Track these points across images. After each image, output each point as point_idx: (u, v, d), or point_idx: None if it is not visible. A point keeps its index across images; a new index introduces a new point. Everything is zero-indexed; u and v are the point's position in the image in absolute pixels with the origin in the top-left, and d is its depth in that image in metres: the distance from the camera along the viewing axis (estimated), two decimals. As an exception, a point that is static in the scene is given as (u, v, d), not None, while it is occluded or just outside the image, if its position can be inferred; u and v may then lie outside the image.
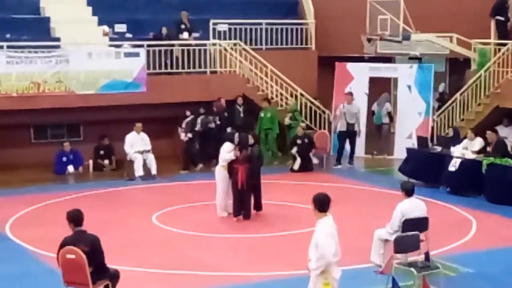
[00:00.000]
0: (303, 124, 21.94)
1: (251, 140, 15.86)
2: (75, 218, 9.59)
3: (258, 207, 15.83)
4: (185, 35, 22.31)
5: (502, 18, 21.94)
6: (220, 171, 15.68)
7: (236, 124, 21.64)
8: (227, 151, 15.55)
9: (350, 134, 21.51)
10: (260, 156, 15.96)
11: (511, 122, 21.28)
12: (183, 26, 22.54)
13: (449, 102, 22.15)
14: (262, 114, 21.81)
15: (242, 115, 21.87)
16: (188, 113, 20.89)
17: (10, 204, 16.68)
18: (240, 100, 21.89)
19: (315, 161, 21.08)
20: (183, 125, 20.82)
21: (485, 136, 18.00)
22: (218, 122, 20.90)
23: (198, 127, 20.71)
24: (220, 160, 15.71)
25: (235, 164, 15.30)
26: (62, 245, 9.61)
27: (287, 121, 21.91)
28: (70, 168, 20.15)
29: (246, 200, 15.43)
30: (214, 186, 15.77)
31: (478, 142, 18.03)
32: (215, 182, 15.74)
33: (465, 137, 18.70)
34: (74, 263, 9.44)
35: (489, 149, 17.63)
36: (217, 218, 15.61)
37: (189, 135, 20.54)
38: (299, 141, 20.80)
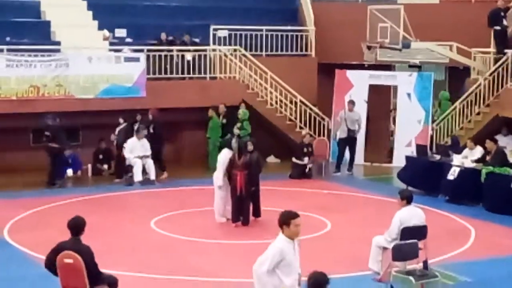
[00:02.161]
0: (303, 132, 21.91)
1: (250, 146, 15.86)
2: (73, 227, 9.55)
3: (257, 213, 15.81)
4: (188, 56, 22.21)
5: (499, 28, 21.98)
6: (218, 176, 15.68)
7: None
8: (223, 158, 15.55)
9: (350, 141, 21.50)
10: (259, 162, 15.95)
11: (510, 131, 21.28)
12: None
13: (448, 110, 22.15)
14: (210, 124, 21.54)
15: None
16: (121, 120, 20.45)
17: (9, 208, 16.65)
18: (243, 107, 21.87)
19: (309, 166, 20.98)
20: (116, 132, 20.45)
21: (485, 145, 17.99)
22: (152, 131, 20.36)
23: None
24: (218, 166, 15.71)
25: (234, 170, 15.25)
26: (55, 249, 9.57)
27: (235, 131, 20.90)
28: (69, 172, 20.06)
29: (245, 207, 15.42)
30: (213, 191, 15.76)
31: (478, 151, 18.01)
32: (214, 187, 15.73)
33: (464, 146, 18.69)
34: (71, 268, 9.42)
35: (488, 158, 17.62)
36: (215, 223, 15.60)
37: (125, 144, 19.74)
38: (305, 149, 20.80)
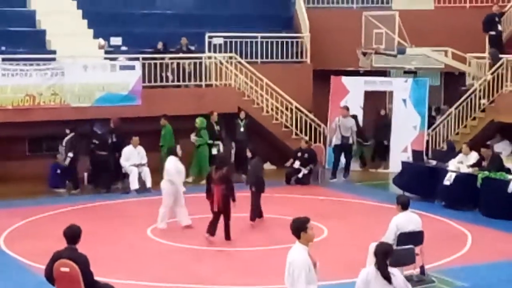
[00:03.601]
0: (303, 141, 21.95)
1: (249, 154, 15.82)
2: (69, 235, 9.54)
3: (258, 214, 15.67)
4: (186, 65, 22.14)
5: (493, 33, 22.06)
6: (166, 185, 15.75)
7: (237, 139, 21.64)
8: (169, 166, 15.63)
9: (345, 147, 21.53)
10: (256, 169, 15.91)
11: (504, 136, 21.30)
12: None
13: (444, 116, 22.19)
14: (163, 131, 21.28)
15: (242, 129, 21.84)
16: (67, 131, 19.76)
17: (5, 217, 16.63)
18: (242, 115, 21.88)
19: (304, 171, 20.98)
20: (63, 143, 19.83)
21: (480, 151, 18.00)
22: (115, 139, 20.08)
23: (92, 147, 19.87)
24: (165, 175, 15.77)
25: (212, 183, 14.64)
26: (52, 258, 9.56)
27: (192, 138, 20.89)
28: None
29: (225, 222, 14.70)
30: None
31: (473, 157, 18.03)
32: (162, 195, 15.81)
33: (460, 151, 18.72)
34: (68, 276, 9.41)
35: (484, 163, 17.62)
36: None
37: (70, 154, 19.52)
38: (299, 154, 20.83)
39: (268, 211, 16.67)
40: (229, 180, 14.63)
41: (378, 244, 8.47)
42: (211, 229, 14.66)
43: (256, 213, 16.29)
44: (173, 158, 15.92)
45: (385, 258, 8.21)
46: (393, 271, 8.25)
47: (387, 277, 8.13)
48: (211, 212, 14.72)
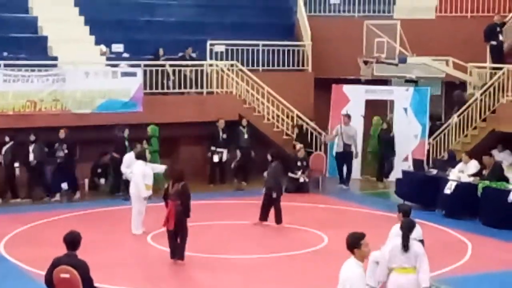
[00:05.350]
0: (298, 146, 21.92)
1: (269, 157, 15.84)
2: (69, 241, 9.52)
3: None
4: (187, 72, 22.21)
5: (494, 43, 22.08)
6: (133, 189, 15.82)
7: (241, 146, 21.64)
8: (138, 170, 15.60)
9: (346, 155, 21.54)
10: (276, 173, 15.96)
11: (505, 147, 21.29)
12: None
13: (445, 125, 22.19)
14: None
15: (246, 136, 21.84)
16: (7, 138, 19.14)
17: (5, 223, 16.63)
18: (244, 122, 21.90)
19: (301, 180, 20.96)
20: (3, 151, 19.17)
21: (481, 160, 17.98)
22: (66, 151, 19.46)
23: (32, 158, 19.20)
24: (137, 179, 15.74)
25: (168, 198, 13.77)
26: (52, 265, 9.54)
27: (143, 146, 20.03)
28: (64, 186, 19.88)
29: (180, 240, 13.70)
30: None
31: (473, 166, 18.02)
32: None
33: (460, 160, 18.71)
34: (68, 283, 9.38)
35: (485, 172, 17.62)
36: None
37: (16, 164, 18.94)
38: (299, 163, 20.81)
39: (269, 219, 16.67)
40: (185, 196, 13.60)
41: (404, 220, 10.11)
42: (171, 251, 13.80)
43: (278, 217, 16.39)
44: (141, 162, 15.89)
45: (409, 232, 9.75)
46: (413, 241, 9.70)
47: (405, 246, 9.59)
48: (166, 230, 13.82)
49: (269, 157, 16.76)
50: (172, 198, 13.60)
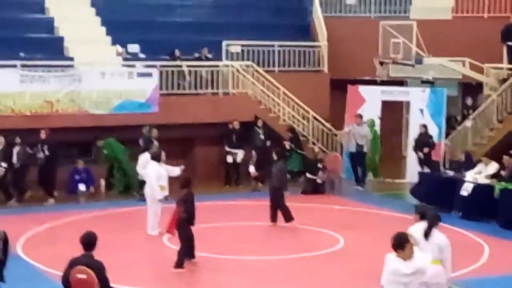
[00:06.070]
0: (316, 148, 21.88)
1: (274, 156, 15.77)
2: (86, 242, 9.55)
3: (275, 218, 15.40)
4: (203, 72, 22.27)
5: (511, 43, 21.96)
6: (149, 192, 15.82)
7: (257, 146, 21.64)
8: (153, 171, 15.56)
9: (359, 155, 21.50)
10: (280, 172, 15.89)
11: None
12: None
13: (461, 126, 22.10)
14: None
15: (262, 137, 21.83)
16: (18, 140, 19.06)
17: (22, 223, 16.65)
18: (260, 123, 21.89)
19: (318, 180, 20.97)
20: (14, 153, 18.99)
21: (501, 161, 17.86)
22: (47, 153, 19.20)
23: (15, 159, 18.85)
24: (151, 181, 15.73)
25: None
26: (69, 265, 9.57)
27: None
28: (82, 187, 19.97)
29: (178, 250, 13.57)
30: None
31: (494, 167, 17.91)
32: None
33: (478, 161, 18.58)
34: (85, 283, 9.41)
35: (503, 173, 17.51)
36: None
37: (4, 164, 18.61)
38: (319, 165, 20.82)
39: (284, 220, 16.66)
40: (188, 204, 13.43)
41: (430, 212, 10.39)
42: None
43: (286, 216, 16.35)
44: (155, 163, 15.92)
45: (436, 221, 10.09)
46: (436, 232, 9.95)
47: (426, 235, 9.88)
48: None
49: (274, 156, 16.65)
50: (177, 204, 13.56)
